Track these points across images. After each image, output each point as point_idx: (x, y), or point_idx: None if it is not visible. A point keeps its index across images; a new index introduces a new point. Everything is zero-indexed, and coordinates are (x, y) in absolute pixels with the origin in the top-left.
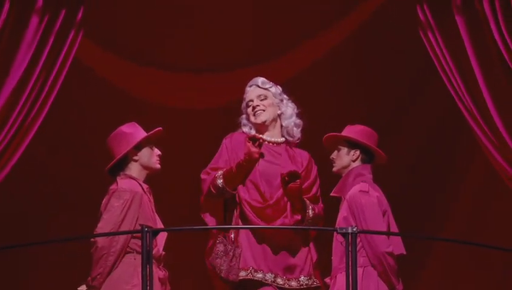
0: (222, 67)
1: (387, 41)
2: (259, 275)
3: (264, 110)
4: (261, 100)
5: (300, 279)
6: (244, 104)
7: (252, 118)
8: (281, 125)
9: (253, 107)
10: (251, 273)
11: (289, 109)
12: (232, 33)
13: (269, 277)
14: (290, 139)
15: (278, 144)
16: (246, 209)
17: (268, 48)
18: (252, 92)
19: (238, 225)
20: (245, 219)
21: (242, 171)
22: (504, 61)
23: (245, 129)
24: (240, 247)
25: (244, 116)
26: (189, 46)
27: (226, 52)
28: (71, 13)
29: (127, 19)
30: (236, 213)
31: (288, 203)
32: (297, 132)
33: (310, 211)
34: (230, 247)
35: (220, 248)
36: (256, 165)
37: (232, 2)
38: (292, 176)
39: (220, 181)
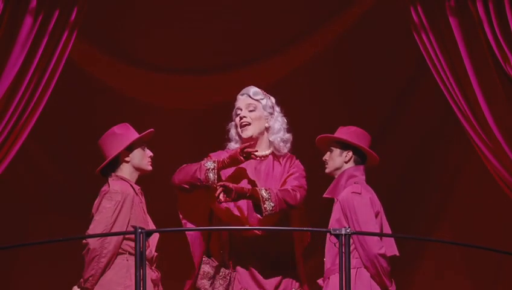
0: (215, 69)
1: (379, 42)
2: None
3: (250, 124)
4: (250, 111)
5: None
6: (234, 112)
7: (239, 130)
8: (269, 139)
9: (240, 118)
10: None
11: (277, 123)
12: (224, 35)
13: None
14: (277, 153)
15: (265, 156)
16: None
17: (259, 48)
18: (242, 100)
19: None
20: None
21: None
22: (498, 62)
23: (231, 146)
24: (236, 270)
25: (233, 123)
26: (182, 48)
27: (217, 54)
28: (65, 14)
29: (121, 20)
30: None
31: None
32: (284, 147)
33: (264, 192)
34: (227, 271)
35: (206, 268)
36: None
37: (222, 6)
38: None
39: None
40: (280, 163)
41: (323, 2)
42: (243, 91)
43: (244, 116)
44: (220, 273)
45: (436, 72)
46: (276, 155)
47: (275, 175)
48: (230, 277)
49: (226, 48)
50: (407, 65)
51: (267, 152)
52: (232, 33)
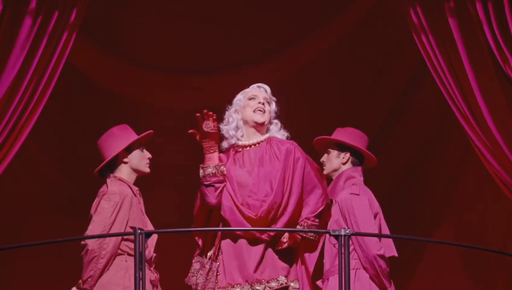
0: (215, 69)
1: (380, 43)
2: None
3: (265, 112)
4: (265, 103)
5: (278, 278)
6: (242, 97)
7: (251, 114)
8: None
9: (260, 103)
10: None
11: (275, 126)
12: (224, 35)
13: (246, 288)
14: (275, 138)
15: (259, 142)
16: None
17: (259, 48)
18: (259, 92)
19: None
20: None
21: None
22: (497, 63)
23: (226, 138)
24: (219, 261)
25: (234, 108)
26: (182, 48)
27: (217, 54)
28: (64, 15)
29: (121, 20)
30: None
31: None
32: (282, 136)
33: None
34: (206, 261)
35: (196, 266)
36: (233, 174)
37: (222, 6)
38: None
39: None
40: (278, 151)
41: (324, 3)
42: (260, 84)
43: (263, 104)
44: (203, 264)
45: (436, 73)
46: (272, 141)
47: (274, 164)
48: (210, 266)
49: (226, 48)
50: (407, 65)
51: (262, 138)
52: (232, 33)
